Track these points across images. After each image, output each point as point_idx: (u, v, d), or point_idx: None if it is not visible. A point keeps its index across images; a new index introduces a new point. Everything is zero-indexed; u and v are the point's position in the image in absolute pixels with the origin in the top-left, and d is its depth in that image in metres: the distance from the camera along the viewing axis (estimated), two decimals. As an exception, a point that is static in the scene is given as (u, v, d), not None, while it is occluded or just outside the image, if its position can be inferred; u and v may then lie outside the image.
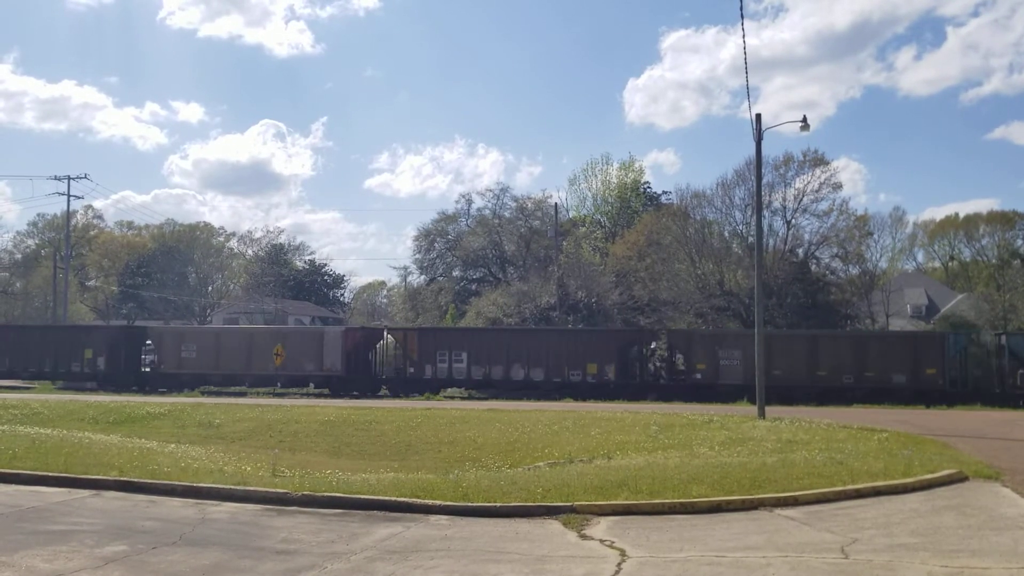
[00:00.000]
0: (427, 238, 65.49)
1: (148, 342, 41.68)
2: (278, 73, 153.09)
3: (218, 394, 36.07)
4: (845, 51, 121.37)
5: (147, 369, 40.94)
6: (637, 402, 29.48)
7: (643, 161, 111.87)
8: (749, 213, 45.54)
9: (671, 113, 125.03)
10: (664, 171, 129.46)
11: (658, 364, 36.83)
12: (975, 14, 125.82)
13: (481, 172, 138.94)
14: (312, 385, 38.01)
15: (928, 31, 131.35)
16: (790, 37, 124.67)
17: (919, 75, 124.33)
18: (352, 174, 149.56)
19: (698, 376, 33.76)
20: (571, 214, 68.41)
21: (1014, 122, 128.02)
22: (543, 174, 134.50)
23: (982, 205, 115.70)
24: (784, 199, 48.36)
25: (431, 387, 35.80)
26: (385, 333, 40.32)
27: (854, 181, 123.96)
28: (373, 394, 36.20)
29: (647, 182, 70.23)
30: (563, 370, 35.03)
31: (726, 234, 50.56)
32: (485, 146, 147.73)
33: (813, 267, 49.22)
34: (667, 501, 10.18)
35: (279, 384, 37.93)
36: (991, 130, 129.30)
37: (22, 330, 45.23)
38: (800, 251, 49.03)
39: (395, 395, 35.42)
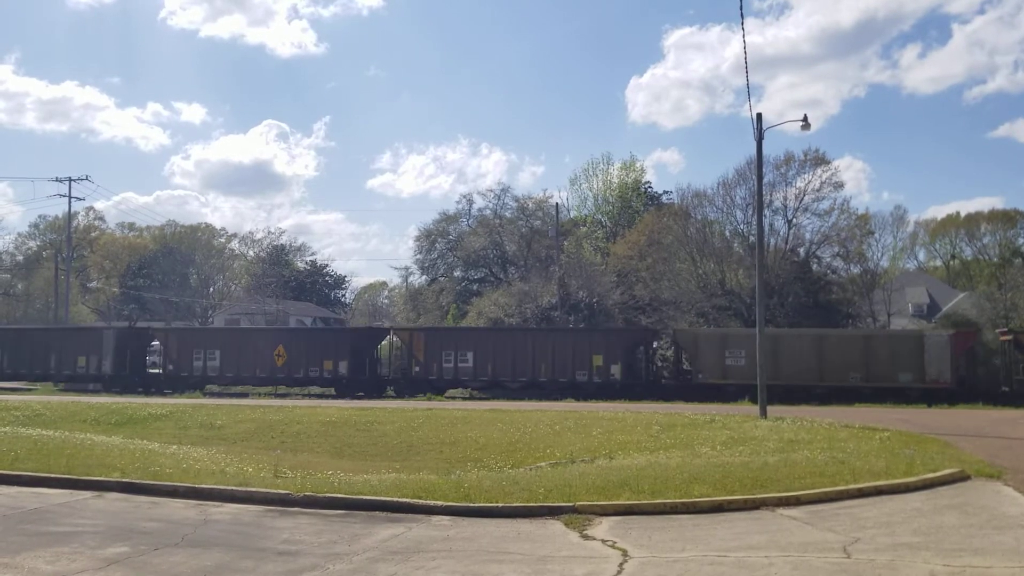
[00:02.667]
0: (428, 238, 65.51)
1: (155, 343, 41.66)
2: (280, 73, 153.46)
3: (220, 395, 36.11)
4: (850, 49, 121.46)
5: (159, 371, 40.88)
6: (639, 402, 29.47)
7: (647, 160, 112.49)
8: (750, 212, 45.51)
9: (674, 112, 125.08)
10: (668, 170, 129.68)
11: (659, 364, 36.80)
12: (981, 11, 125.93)
13: (484, 172, 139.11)
14: (317, 386, 38.10)
15: (933, 29, 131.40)
16: (795, 35, 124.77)
17: (924, 73, 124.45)
18: (355, 174, 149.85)
19: (701, 376, 33.65)
20: (572, 214, 68.42)
21: (1019, 119, 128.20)
22: (546, 174, 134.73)
23: (986, 203, 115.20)
24: (785, 198, 48.35)
25: (436, 387, 35.76)
26: (391, 333, 40.29)
27: (857, 180, 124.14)
28: (379, 395, 36.23)
29: (648, 182, 70.29)
30: (569, 370, 34.87)
31: (727, 233, 50.53)
32: (488, 146, 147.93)
33: (814, 266, 49.15)
34: (669, 501, 10.18)
35: (285, 384, 37.99)
36: (995, 128, 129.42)
37: (23, 332, 45.31)
38: (801, 250, 48.98)
39: (400, 396, 35.44)
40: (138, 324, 46.41)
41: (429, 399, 32.75)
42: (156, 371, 41.08)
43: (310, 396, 36.06)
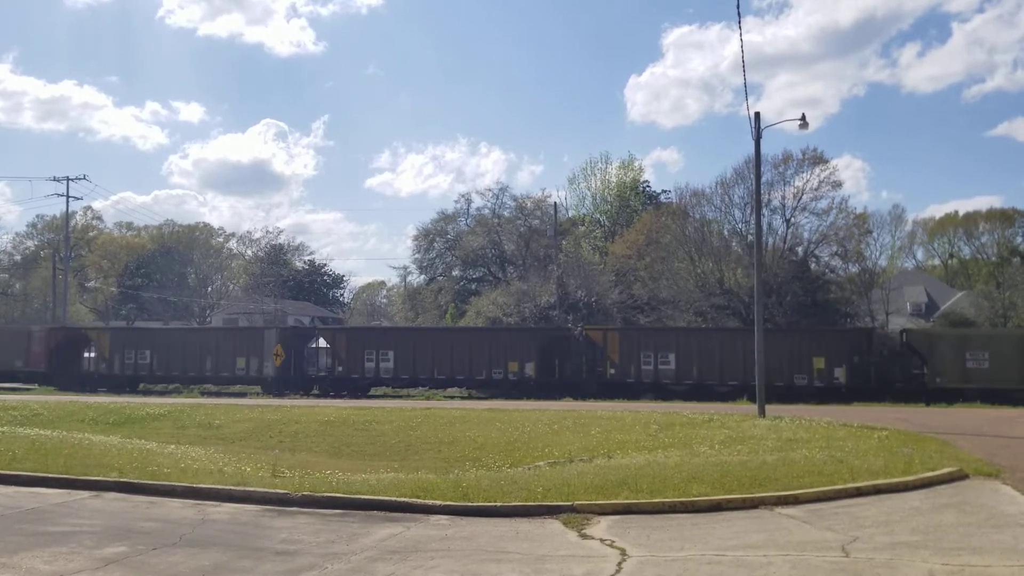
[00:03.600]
0: (426, 238, 65.49)
1: (321, 342, 40.66)
2: (279, 72, 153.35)
3: (218, 394, 36.11)
4: (849, 48, 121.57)
5: (324, 372, 39.83)
6: (637, 401, 29.49)
7: (646, 160, 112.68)
8: (748, 212, 45.51)
9: (673, 111, 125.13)
10: (667, 170, 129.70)
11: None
12: (980, 10, 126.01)
13: (483, 171, 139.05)
14: (239, 385, 38.40)
15: (933, 27, 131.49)
16: (794, 34, 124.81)
17: (923, 72, 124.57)
18: (353, 173, 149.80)
19: (613, 372, 33.74)
20: (570, 213, 68.42)
21: (1018, 118, 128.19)
22: (544, 173, 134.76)
23: (984, 202, 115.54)
24: (783, 197, 48.37)
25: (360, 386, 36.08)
26: (316, 334, 40.16)
27: (857, 179, 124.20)
28: (306, 393, 36.29)
29: (646, 181, 70.29)
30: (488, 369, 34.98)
31: (725, 233, 50.57)
32: (487, 145, 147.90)
33: (813, 265, 49.20)
34: (667, 500, 10.17)
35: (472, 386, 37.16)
36: (994, 126, 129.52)
37: (174, 333, 45.90)
38: (799, 249, 49.03)
39: (325, 394, 35.65)
40: (135, 324, 46.33)
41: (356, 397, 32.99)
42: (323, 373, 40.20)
43: (244, 396, 35.71)
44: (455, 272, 65.24)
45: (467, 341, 36.80)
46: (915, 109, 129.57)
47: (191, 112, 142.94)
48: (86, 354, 40.75)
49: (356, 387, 36.50)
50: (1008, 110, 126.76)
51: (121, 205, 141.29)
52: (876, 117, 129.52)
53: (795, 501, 10.21)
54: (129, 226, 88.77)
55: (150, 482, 12.03)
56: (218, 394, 36.39)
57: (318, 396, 35.20)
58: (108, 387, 38.07)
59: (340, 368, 37.21)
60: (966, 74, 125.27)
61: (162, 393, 36.90)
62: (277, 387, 36.51)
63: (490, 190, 66.08)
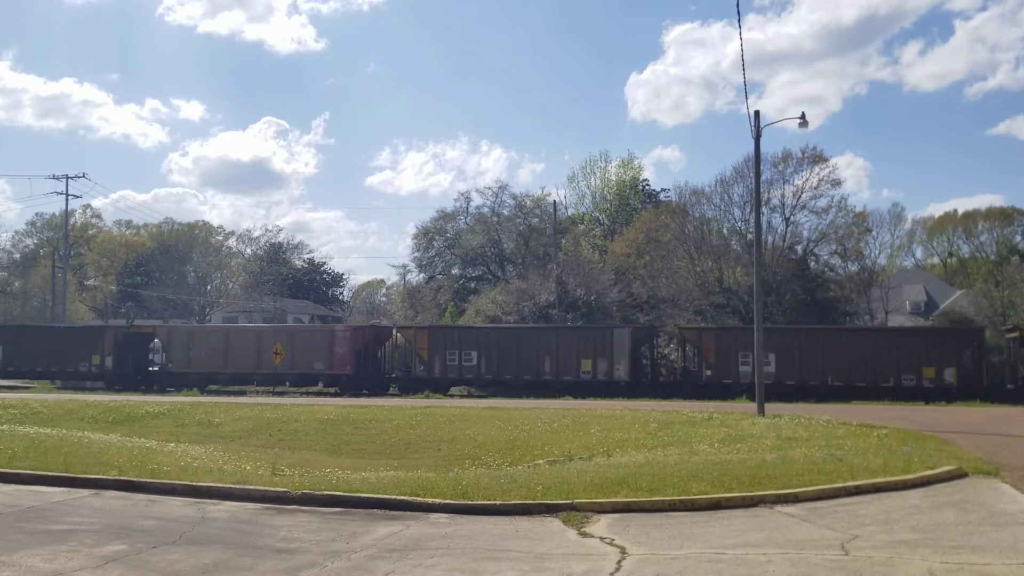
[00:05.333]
0: (426, 236, 65.43)
1: (156, 341, 41.58)
2: (280, 69, 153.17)
3: (219, 393, 36.10)
4: (851, 46, 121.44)
5: (156, 368, 40.88)
6: (637, 399, 29.48)
7: (647, 158, 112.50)
8: (748, 210, 45.50)
9: (674, 109, 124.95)
10: (668, 168, 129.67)
11: (657, 361, 36.69)
12: (983, 8, 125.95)
13: (484, 169, 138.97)
14: (321, 384, 38.00)
15: (935, 25, 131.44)
16: (796, 32, 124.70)
17: (925, 70, 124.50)
18: (353, 171, 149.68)
19: (709, 373, 33.33)
20: (570, 212, 68.35)
21: (1019, 116, 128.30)
22: (545, 171, 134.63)
23: (986, 201, 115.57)
24: (783, 196, 48.37)
25: (440, 386, 35.52)
26: (394, 331, 40.21)
27: (858, 177, 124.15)
28: (383, 393, 36.21)
29: (646, 179, 70.27)
30: (575, 368, 34.27)
31: (725, 231, 50.59)
32: (488, 143, 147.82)
33: (812, 264, 49.22)
34: (667, 498, 10.17)
35: (287, 383, 37.77)
36: (995, 125, 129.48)
37: (27, 330, 45.35)
38: (799, 248, 49.05)
39: (404, 393, 35.32)
40: (136, 322, 46.43)
41: (427, 396, 32.72)
42: (154, 368, 41.10)
43: (307, 394, 35.94)
44: (454, 270, 65.19)
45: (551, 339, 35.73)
46: (917, 107, 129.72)
47: (191, 110, 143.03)
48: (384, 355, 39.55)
49: (437, 388, 35.75)
50: (1010, 108, 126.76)
51: (121, 203, 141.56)
52: (878, 115, 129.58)
53: (795, 499, 10.21)
54: (128, 224, 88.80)
55: (150, 480, 12.03)
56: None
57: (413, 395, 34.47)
58: (431, 389, 35.38)
59: (422, 368, 36.79)
60: (968, 72, 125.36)
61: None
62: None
63: (489, 188, 66.06)
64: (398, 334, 40.05)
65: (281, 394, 35.45)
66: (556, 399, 30.15)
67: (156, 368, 41.32)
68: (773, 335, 32.96)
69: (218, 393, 36.08)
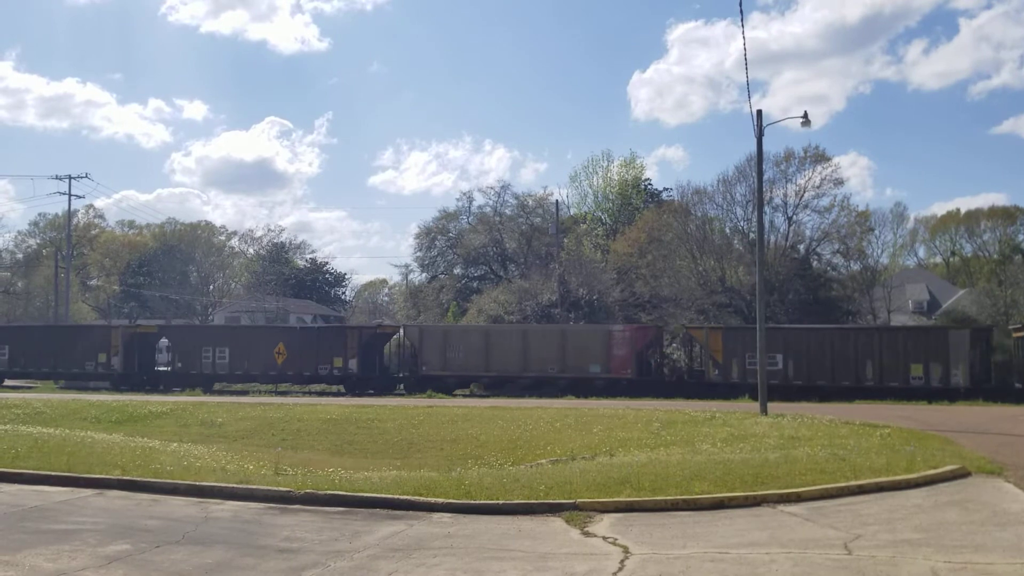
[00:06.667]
0: (428, 236, 65.49)
1: (163, 340, 41.59)
2: (283, 69, 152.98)
3: (222, 393, 36.14)
4: (855, 45, 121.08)
5: (167, 368, 40.86)
6: (640, 399, 29.47)
7: (650, 157, 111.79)
8: (750, 209, 45.53)
9: (678, 108, 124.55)
10: (672, 167, 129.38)
11: (660, 360, 36.58)
12: (988, 6, 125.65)
13: (487, 169, 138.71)
14: (326, 383, 38.11)
15: (939, 24, 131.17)
16: (800, 30, 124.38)
17: (929, 68, 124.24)
18: (356, 171, 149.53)
19: (716, 373, 33.23)
20: (572, 211, 68.38)
21: (1023, 115, 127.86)
22: (548, 170, 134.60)
23: (989, 200, 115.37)
24: (785, 195, 48.42)
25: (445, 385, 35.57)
26: (401, 331, 40.24)
27: (862, 176, 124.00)
28: (389, 392, 36.27)
29: (648, 179, 70.28)
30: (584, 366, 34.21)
31: (727, 230, 50.61)
32: (491, 142, 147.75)
33: (814, 263, 49.24)
34: (670, 498, 10.17)
35: (291, 382, 37.89)
36: (999, 123, 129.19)
37: (33, 330, 45.40)
38: (801, 247, 49.06)
39: (410, 393, 35.38)
40: (139, 322, 46.48)
41: (430, 396, 32.69)
42: (164, 369, 41.17)
43: (310, 393, 35.96)
44: (457, 270, 65.24)
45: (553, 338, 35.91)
46: (920, 106, 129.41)
47: (194, 110, 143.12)
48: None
49: (442, 388, 35.54)
50: (1014, 107, 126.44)
51: (124, 203, 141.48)
52: (881, 114, 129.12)
53: (797, 499, 10.21)
54: (131, 224, 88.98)
55: (153, 480, 12.05)
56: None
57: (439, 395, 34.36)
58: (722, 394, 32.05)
59: (424, 367, 36.57)
60: (972, 71, 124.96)
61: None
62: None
63: (492, 188, 66.12)
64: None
65: (283, 394, 35.52)
66: (559, 398, 30.16)
67: (167, 368, 41.39)
68: (782, 335, 32.84)
69: (221, 393, 36.13)
